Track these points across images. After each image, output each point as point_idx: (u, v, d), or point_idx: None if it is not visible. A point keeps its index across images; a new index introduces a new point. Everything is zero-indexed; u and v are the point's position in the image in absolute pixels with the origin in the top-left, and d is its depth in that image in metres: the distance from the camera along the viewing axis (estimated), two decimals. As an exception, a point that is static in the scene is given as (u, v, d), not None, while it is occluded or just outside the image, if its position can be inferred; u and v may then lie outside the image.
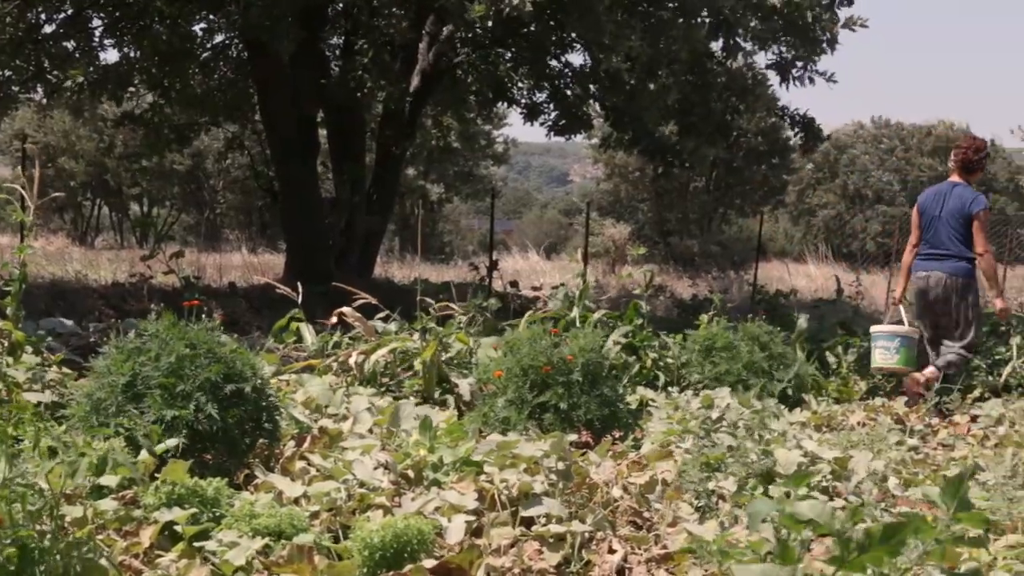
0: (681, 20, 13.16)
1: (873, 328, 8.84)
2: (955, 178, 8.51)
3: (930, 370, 8.28)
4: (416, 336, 7.75)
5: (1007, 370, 9.37)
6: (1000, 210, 45.30)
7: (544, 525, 4.01)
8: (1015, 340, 9.82)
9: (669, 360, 8.22)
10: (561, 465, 4.47)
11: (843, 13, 14.71)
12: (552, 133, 16.61)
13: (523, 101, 16.69)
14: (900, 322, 8.74)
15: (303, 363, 7.63)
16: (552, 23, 13.21)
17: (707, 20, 13.70)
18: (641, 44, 12.31)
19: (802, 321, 9.49)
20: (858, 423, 6.99)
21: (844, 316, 13.14)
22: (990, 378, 9.27)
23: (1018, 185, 49.41)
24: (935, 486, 5.08)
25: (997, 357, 9.70)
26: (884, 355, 8.41)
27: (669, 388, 7.61)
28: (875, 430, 6.41)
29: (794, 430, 6.31)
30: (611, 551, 3.95)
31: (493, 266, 16.00)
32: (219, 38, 16.02)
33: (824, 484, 4.95)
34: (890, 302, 9.39)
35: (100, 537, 3.58)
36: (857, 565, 2.45)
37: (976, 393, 8.80)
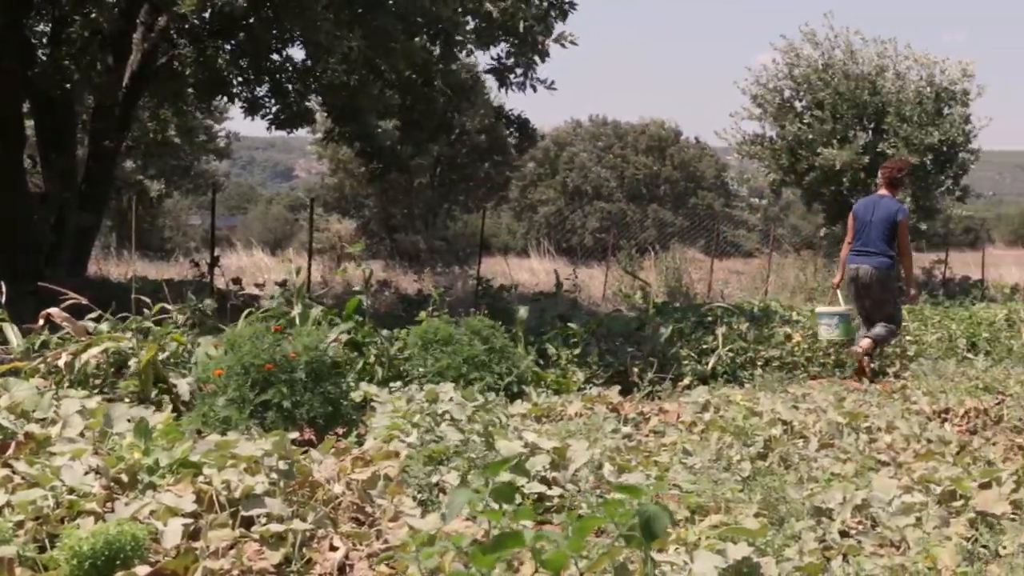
0: (401, 26, 13.15)
1: (817, 309, 11.07)
2: (883, 192, 10.29)
3: (865, 342, 9.98)
4: (131, 335, 7.48)
5: (713, 359, 9.86)
6: (708, 206, 47.69)
7: (264, 525, 3.95)
8: (720, 330, 10.35)
9: (392, 355, 8.23)
10: (283, 464, 4.42)
11: (556, 27, 15.03)
12: (273, 127, 16.37)
13: (243, 95, 16.36)
14: (838, 303, 10.73)
15: (8, 366, 7.22)
16: (271, 17, 12.98)
17: (424, 27, 13.74)
18: (360, 46, 12.25)
19: (522, 312, 9.69)
20: (576, 413, 7.17)
21: (563, 309, 13.52)
22: (698, 366, 9.74)
23: (724, 183, 52.10)
24: (647, 472, 5.31)
25: (704, 346, 10.19)
26: (828, 330, 10.33)
27: (392, 383, 7.62)
28: (592, 419, 6.63)
29: (515, 422, 6.45)
30: (332, 548, 3.94)
31: (215, 263, 15.68)
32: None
33: (543, 474, 5.07)
34: (831, 287, 11.64)
35: None
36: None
37: (686, 381, 9.24)
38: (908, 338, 11.16)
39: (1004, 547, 4.15)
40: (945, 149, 23.05)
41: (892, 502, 4.64)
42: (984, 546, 4.19)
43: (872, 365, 10.03)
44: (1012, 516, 4.47)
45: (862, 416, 6.80)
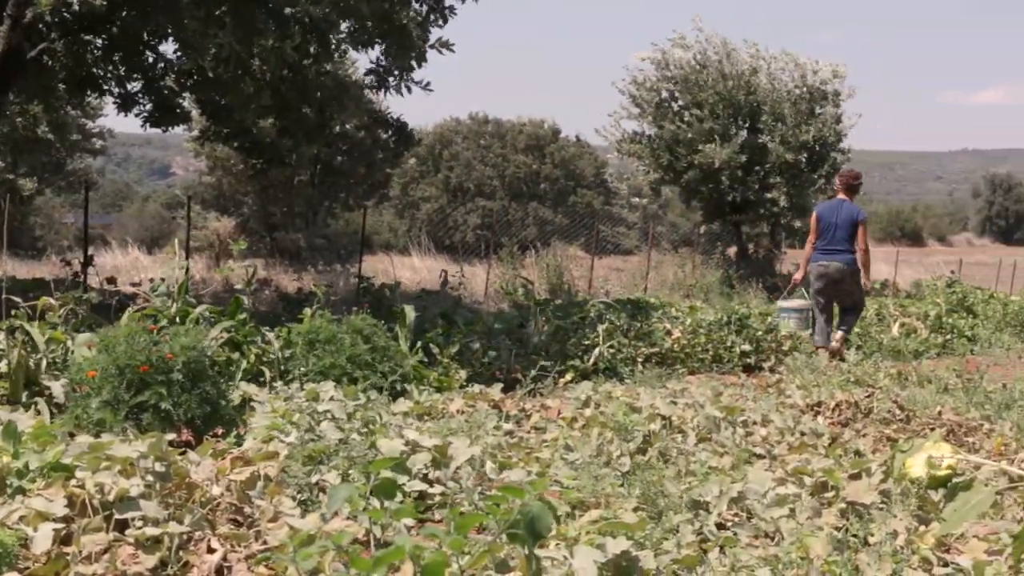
0: (273, 25, 12.98)
1: (782, 304, 12.43)
2: (842, 196, 11.57)
3: (838, 335, 11.24)
4: (2, 336, 7.28)
5: (594, 355, 9.96)
6: (588, 204, 48.09)
7: (140, 528, 3.88)
8: (601, 327, 10.45)
9: (273, 355, 8.13)
10: (159, 466, 4.34)
11: (435, 31, 15.04)
12: (148, 125, 16.06)
13: (116, 91, 16.01)
14: (803, 297, 12.01)
15: None
16: (141, 12, 12.71)
17: (297, 26, 13.59)
18: (230, 43, 12.07)
19: (410, 312, 9.66)
20: (458, 411, 7.17)
21: (446, 306, 13.52)
22: (580, 363, 9.82)
23: (604, 181, 52.52)
24: (528, 468, 5.34)
25: (586, 343, 10.28)
26: (799, 323, 12.05)
27: (274, 383, 7.53)
28: (473, 417, 6.63)
29: (397, 420, 6.42)
30: (210, 550, 3.88)
31: (88, 262, 15.31)
32: None
33: (424, 472, 5.06)
34: (792, 282, 12.50)
35: None
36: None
37: (568, 377, 9.31)
38: (783, 333, 11.48)
39: (872, 535, 4.26)
40: (818, 148, 23.61)
41: (767, 494, 4.73)
42: (854, 535, 4.29)
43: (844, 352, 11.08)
44: (880, 505, 4.60)
45: (738, 410, 6.91)
